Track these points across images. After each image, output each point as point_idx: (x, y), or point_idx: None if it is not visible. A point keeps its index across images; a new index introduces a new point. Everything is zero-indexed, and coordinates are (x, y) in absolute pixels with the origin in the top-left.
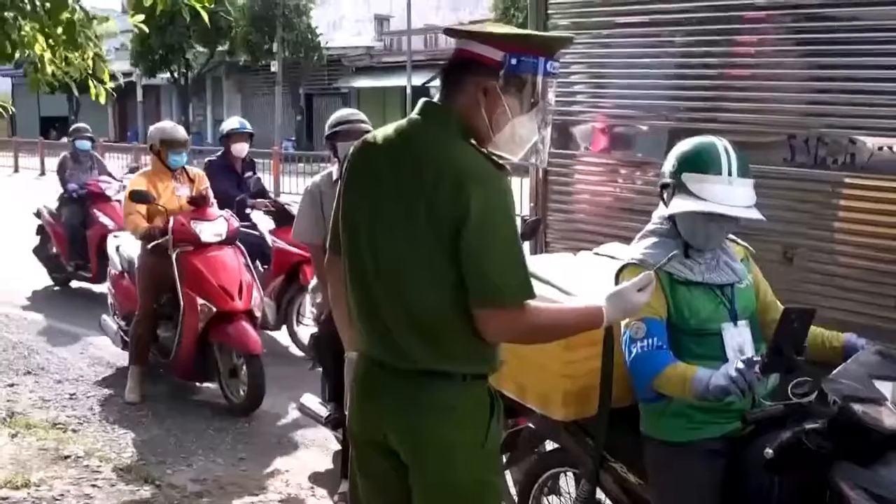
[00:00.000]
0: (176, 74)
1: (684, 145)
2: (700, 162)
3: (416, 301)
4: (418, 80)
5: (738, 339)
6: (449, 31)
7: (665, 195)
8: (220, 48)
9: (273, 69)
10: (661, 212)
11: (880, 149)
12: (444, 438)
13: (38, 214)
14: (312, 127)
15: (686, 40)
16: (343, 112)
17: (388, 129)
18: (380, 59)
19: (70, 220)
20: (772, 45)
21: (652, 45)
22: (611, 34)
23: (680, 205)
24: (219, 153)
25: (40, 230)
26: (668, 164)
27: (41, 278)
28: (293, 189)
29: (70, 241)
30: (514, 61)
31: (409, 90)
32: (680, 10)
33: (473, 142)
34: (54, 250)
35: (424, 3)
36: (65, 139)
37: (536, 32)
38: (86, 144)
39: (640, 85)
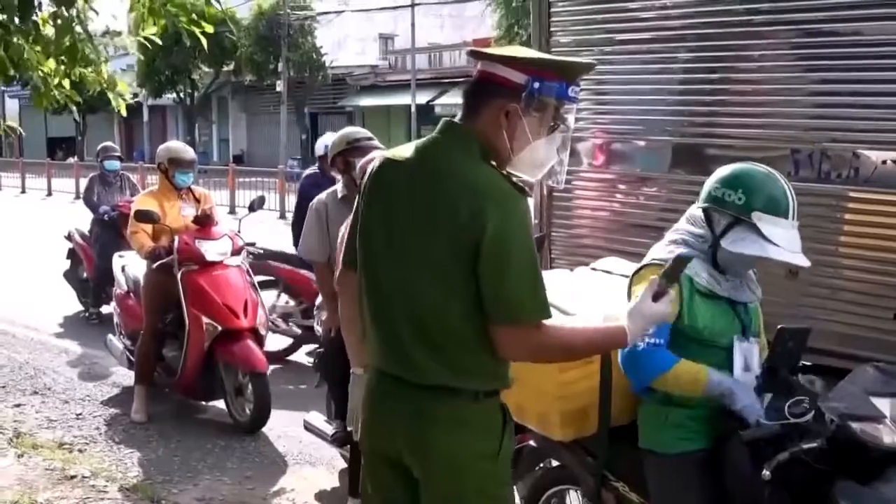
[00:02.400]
0: (182, 95)
1: (750, 177)
2: (775, 204)
3: (429, 317)
4: (423, 98)
5: (747, 354)
6: (472, 53)
7: (716, 218)
8: (225, 68)
9: (278, 89)
10: (697, 229)
11: (884, 162)
12: (454, 453)
13: (69, 237)
14: None
15: (688, 56)
16: (348, 130)
17: (408, 148)
18: (384, 78)
19: (102, 244)
20: (774, 59)
21: (654, 62)
22: (613, 51)
23: (749, 246)
24: (314, 167)
25: (71, 254)
26: (731, 192)
27: (46, 299)
28: None
29: (102, 264)
30: (536, 85)
31: (413, 108)
32: (682, 27)
33: (493, 162)
34: (85, 275)
35: (428, 22)
36: (72, 160)
37: (558, 57)
38: (115, 164)
39: (643, 101)
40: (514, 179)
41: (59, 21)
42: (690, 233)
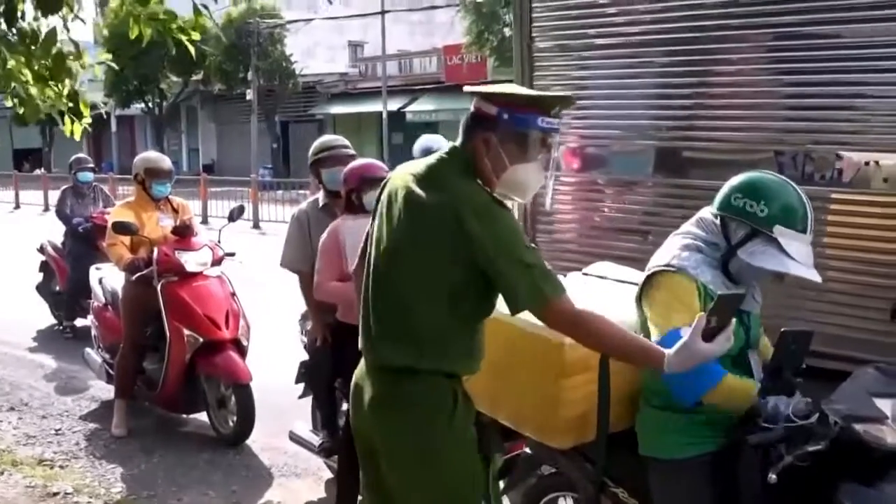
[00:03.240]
0: (150, 104)
1: (772, 189)
2: (796, 219)
3: (398, 307)
4: (394, 105)
5: (755, 365)
6: (467, 91)
7: (732, 227)
8: (194, 77)
9: (248, 97)
10: (710, 235)
11: (867, 163)
12: (408, 430)
13: (42, 250)
14: (289, 154)
15: (669, 60)
16: (325, 138)
17: (418, 163)
18: (355, 86)
19: (76, 256)
20: (756, 63)
21: (636, 66)
22: (594, 55)
23: (769, 261)
24: None
25: (43, 266)
26: (754, 203)
27: (18, 313)
28: (272, 217)
29: (76, 277)
30: (505, 116)
31: (385, 115)
32: (663, 31)
33: (479, 181)
34: (58, 287)
35: (398, 29)
36: (39, 172)
37: (532, 92)
38: (88, 176)
39: (626, 105)
40: (496, 195)
41: (37, 31)
42: (703, 239)
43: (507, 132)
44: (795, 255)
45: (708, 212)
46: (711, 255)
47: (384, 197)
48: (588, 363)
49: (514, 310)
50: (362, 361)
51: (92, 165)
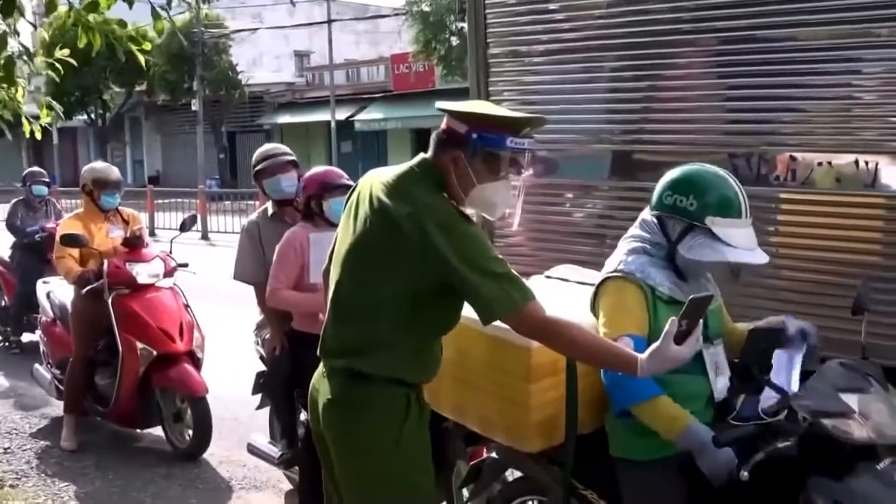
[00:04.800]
0: (93, 116)
1: (700, 181)
2: (727, 206)
3: (352, 310)
4: (342, 114)
5: (715, 359)
6: (440, 108)
7: (670, 224)
8: (137, 88)
9: (193, 108)
10: (652, 236)
11: (819, 164)
12: (355, 434)
13: None
14: (236, 165)
15: (623, 64)
16: (265, 148)
17: (388, 171)
18: (302, 95)
19: (24, 269)
20: (708, 66)
21: (590, 71)
22: (547, 61)
23: (706, 253)
24: None
25: None
26: (683, 198)
27: None
28: (221, 228)
29: (24, 291)
30: (475, 136)
31: (333, 125)
32: (618, 36)
33: (445, 194)
34: (4, 302)
35: (344, 38)
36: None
37: (503, 112)
38: (42, 189)
39: (580, 110)
40: (462, 210)
41: None
42: (647, 240)
43: (476, 151)
44: (734, 242)
45: (648, 212)
46: (657, 255)
47: (352, 201)
48: (556, 366)
49: (487, 320)
50: (321, 366)
51: (47, 179)
